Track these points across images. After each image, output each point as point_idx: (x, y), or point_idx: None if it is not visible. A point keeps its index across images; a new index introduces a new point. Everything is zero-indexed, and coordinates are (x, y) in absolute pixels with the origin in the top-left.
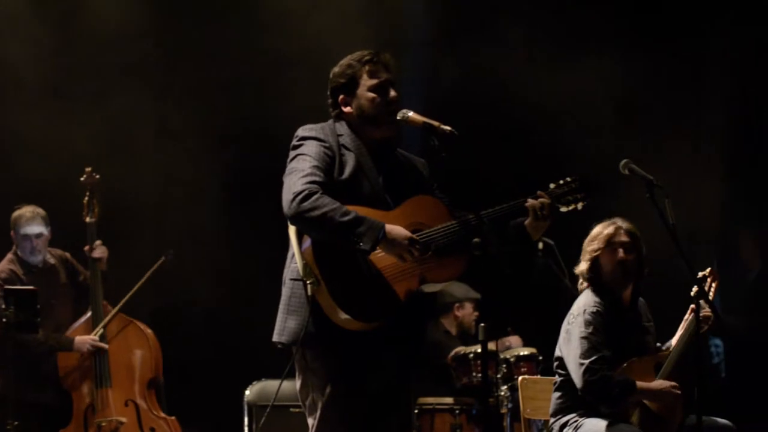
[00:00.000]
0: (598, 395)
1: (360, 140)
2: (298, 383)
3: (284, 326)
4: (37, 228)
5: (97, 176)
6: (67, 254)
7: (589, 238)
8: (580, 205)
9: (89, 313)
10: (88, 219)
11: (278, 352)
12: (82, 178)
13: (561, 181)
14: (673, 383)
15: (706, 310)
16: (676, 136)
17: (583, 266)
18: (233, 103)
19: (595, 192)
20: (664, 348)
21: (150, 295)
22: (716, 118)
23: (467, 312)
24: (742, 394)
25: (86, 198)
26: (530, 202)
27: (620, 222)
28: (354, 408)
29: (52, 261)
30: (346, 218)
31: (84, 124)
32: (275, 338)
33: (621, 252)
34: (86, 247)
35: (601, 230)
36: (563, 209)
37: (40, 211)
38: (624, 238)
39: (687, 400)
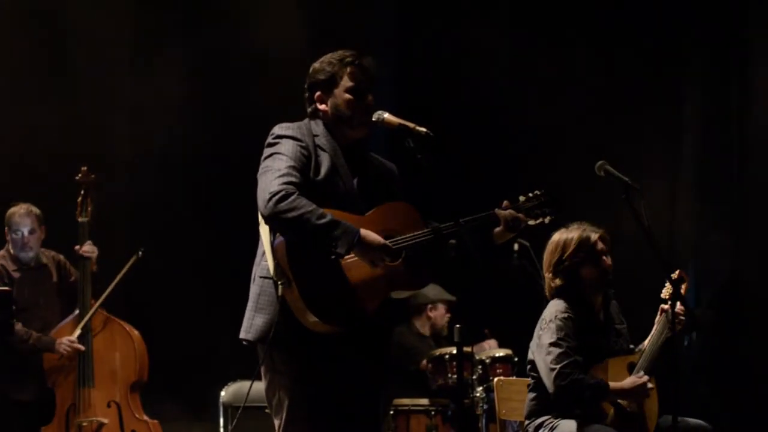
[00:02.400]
0: (570, 399)
1: (335, 141)
2: (264, 383)
3: (251, 323)
4: (28, 225)
5: (93, 175)
6: (61, 256)
7: (560, 247)
8: (547, 219)
9: (75, 312)
10: (80, 218)
11: (253, 352)
12: (77, 177)
13: (530, 194)
14: (644, 378)
15: (679, 309)
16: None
17: (558, 280)
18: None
19: (562, 207)
20: (636, 350)
21: (127, 295)
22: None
23: (440, 313)
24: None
25: (80, 197)
26: (502, 213)
27: (590, 228)
28: (320, 410)
29: (44, 261)
30: (322, 221)
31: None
32: (242, 335)
33: (606, 259)
34: (77, 246)
35: (578, 238)
36: (531, 222)
37: (34, 209)
38: (605, 245)
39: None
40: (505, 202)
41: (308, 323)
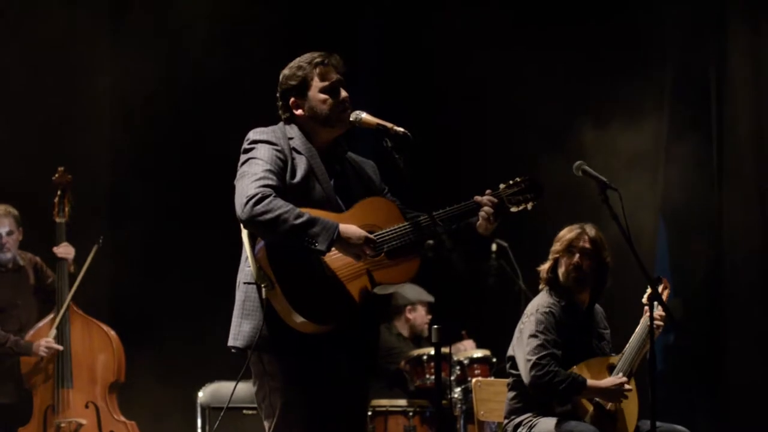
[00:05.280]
0: (545, 391)
1: (311, 143)
2: (254, 387)
3: (239, 330)
4: (6, 226)
5: (70, 176)
6: (38, 258)
7: (555, 239)
8: (529, 205)
9: (51, 315)
10: (58, 219)
11: (231, 354)
12: (54, 177)
13: (510, 182)
14: (623, 380)
15: (659, 312)
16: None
17: (545, 265)
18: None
19: (543, 192)
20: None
21: (104, 294)
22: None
23: (419, 315)
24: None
25: (57, 197)
26: (481, 199)
27: (587, 228)
28: (311, 411)
29: (21, 263)
30: (299, 220)
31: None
32: (230, 342)
33: (578, 257)
34: (54, 248)
35: (566, 233)
36: (513, 209)
37: (12, 210)
38: (585, 245)
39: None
40: (488, 191)
41: (295, 324)
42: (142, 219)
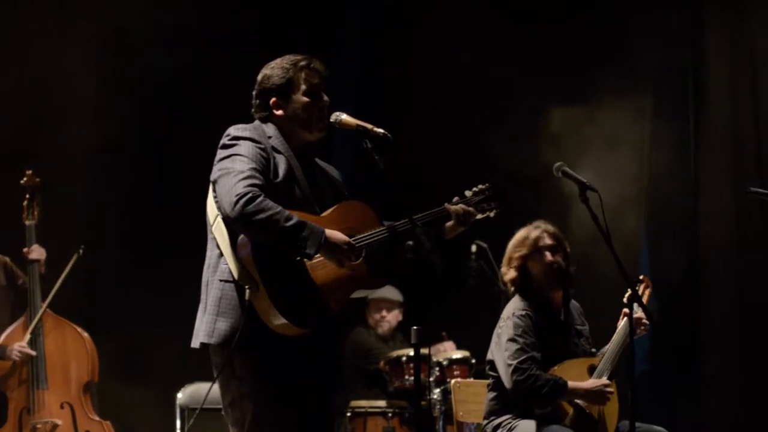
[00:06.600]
0: (527, 395)
1: (288, 143)
2: (220, 390)
3: (213, 328)
4: None
5: (38, 179)
6: (7, 258)
7: (512, 243)
8: (493, 213)
9: (23, 317)
10: (27, 221)
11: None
12: (22, 181)
13: (475, 189)
14: (605, 382)
15: (639, 313)
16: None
17: (511, 273)
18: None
19: (507, 200)
20: (598, 354)
21: (79, 296)
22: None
23: (382, 312)
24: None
25: (26, 200)
26: (452, 208)
27: (543, 224)
28: (284, 413)
29: None
30: (290, 223)
31: None
32: (203, 339)
33: (548, 255)
34: (25, 250)
35: (525, 235)
36: (478, 216)
37: None
38: (549, 241)
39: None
40: (456, 198)
41: (276, 326)
42: (117, 219)
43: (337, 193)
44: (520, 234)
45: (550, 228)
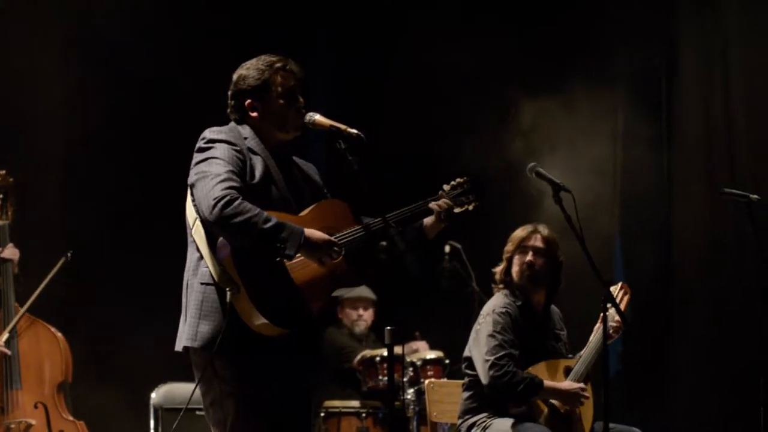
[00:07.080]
0: (503, 391)
1: (264, 144)
2: (201, 391)
3: (197, 331)
4: None
5: (11, 179)
6: None
7: (508, 239)
8: (471, 206)
9: None
10: (0, 221)
11: (181, 355)
12: None
13: (453, 182)
14: (581, 385)
15: (615, 319)
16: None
17: (499, 267)
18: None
19: (485, 193)
20: (575, 357)
21: (53, 296)
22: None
23: (359, 311)
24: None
25: (0, 201)
26: (433, 204)
27: (540, 228)
28: (266, 414)
29: None
30: (268, 224)
31: None
32: (186, 343)
33: (530, 255)
34: None
35: (518, 233)
36: (457, 210)
37: None
38: (538, 243)
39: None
40: (440, 193)
41: (257, 327)
42: (91, 220)
43: (316, 190)
44: (516, 231)
45: (545, 232)
